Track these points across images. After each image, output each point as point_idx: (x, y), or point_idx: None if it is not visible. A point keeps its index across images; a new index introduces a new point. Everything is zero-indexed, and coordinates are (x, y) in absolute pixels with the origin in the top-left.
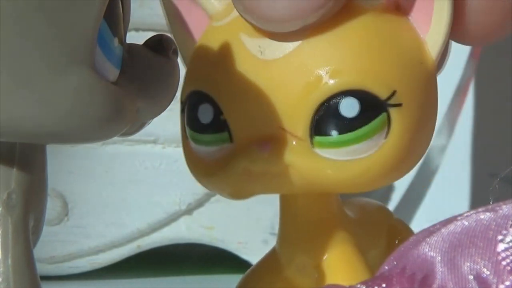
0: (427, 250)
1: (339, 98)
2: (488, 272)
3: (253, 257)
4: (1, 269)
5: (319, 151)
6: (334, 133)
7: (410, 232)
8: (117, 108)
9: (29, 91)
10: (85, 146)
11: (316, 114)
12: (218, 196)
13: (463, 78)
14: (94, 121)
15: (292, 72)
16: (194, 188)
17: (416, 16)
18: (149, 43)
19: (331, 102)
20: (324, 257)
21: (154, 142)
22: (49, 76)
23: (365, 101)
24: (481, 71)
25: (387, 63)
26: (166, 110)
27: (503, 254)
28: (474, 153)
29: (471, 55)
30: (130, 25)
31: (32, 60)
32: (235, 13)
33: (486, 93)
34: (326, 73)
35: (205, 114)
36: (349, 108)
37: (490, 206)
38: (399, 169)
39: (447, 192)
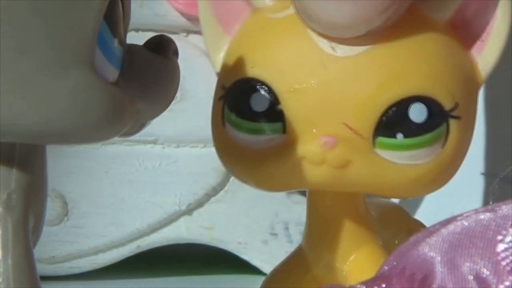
0: (427, 250)
1: (409, 102)
2: (488, 272)
3: (253, 257)
4: (1, 269)
5: (379, 152)
6: (399, 135)
7: None
8: (116, 109)
9: (29, 92)
10: (85, 146)
11: (384, 115)
12: (218, 196)
13: None
14: (94, 121)
15: (365, 71)
16: (194, 188)
17: (473, 36)
18: (149, 43)
19: (401, 105)
20: (352, 256)
21: (154, 142)
22: (48, 77)
23: (432, 109)
24: None
25: (453, 76)
26: (166, 110)
27: (503, 254)
28: (474, 153)
29: None
30: (130, 26)
31: (32, 60)
32: None
33: (486, 93)
34: (399, 76)
35: (260, 102)
36: (418, 113)
37: (489, 206)
38: (445, 179)
39: (446, 192)
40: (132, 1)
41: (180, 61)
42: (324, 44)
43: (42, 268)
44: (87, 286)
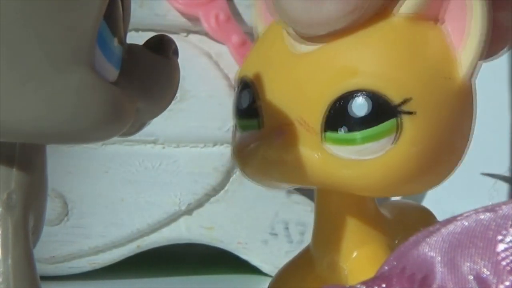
0: (427, 250)
1: (351, 96)
2: (488, 272)
3: (253, 257)
4: (1, 269)
5: (329, 146)
6: (344, 129)
7: None
8: (116, 109)
9: (28, 92)
10: (85, 146)
11: (330, 110)
12: (218, 196)
13: None
14: (94, 121)
15: (318, 67)
16: (194, 188)
17: (452, 32)
18: (149, 43)
19: (344, 99)
20: (354, 255)
21: (154, 142)
22: (48, 77)
23: (376, 103)
24: (480, 71)
25: (407, 71)
26: (166, 110)
27: (503, 254)
28: (474, 153)
29: None
30: (130, 26)
31: (31, 61)
32: None
33: (485, 93)
34: (345, 71)
35: (245, 99)
36: (360, 107)
37: (490, 206)
38: (412, 180)
39: (446, 192)
40: (132, 1)
41: (180, 61)
42: (291, 43)
43: (42, 268)
44: (87, 286)
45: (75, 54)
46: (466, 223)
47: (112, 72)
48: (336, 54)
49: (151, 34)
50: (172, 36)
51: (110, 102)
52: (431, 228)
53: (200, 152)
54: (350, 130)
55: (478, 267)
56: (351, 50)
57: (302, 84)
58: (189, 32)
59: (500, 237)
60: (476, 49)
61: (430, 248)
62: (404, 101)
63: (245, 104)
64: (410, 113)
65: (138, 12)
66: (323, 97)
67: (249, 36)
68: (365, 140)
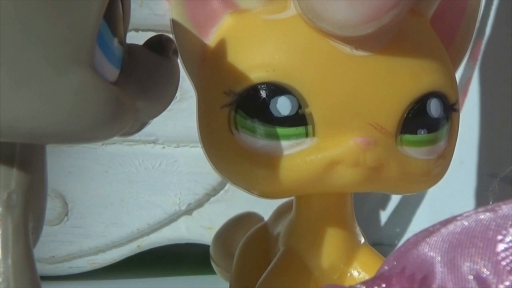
0: (427, 250)
1: (427, 98)
2: (488, 272)
3: None
4: (1, 269)
5: (405, 149)
6: (423, 131)
7: None
8: (116, 108)
9: (28, 92)
10: (85, 146)
11: (407, 113)
12: (218, 196)
13: (462, 78)
14: (94, 121)
15: (384, 70)
16: (194, 188)
17: (443, 33)
18: (149, 43)
19: (422, 101)
20: (346, 251)
21: (154, 142)
22: (48, 77)
23: (444, 104)
24: (481, 71)
25: (451, 71)
26: (166, 110)
27: (503, 254)
28: (474, 153)
29: (470, 56)
30: (130, 25)
31: (31, 61)
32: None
33: (485, 93)
34: (416, 74)
35: (284, 106)
36: (435, 108)
37: (489, 206)
38: (445, 171)
39: (447, 192)
40: (132, 1)
41: (180, 61)
42: (340, 45)
43: (42, 268)
44: (87, 286)
45: (75, 54)
46: (466, 223)
47: (112, 72)
48: (401, 57)
49: (151, 34)
50: (172, 36)
51: (110, 102)
52: (431, 228)
53: (200, 152)
54: (429, 131)
55: (478, 267)
56: (412, 53)
57: (370, 89)
58: None
59: (500, 237)
60: (464, 51)
61: (430, 248)
62: (457, 100)
63: (286, 111)
64: (457, 110)
65: (138, 12)
66: (400, 100)
67: None
68: (439, 139)
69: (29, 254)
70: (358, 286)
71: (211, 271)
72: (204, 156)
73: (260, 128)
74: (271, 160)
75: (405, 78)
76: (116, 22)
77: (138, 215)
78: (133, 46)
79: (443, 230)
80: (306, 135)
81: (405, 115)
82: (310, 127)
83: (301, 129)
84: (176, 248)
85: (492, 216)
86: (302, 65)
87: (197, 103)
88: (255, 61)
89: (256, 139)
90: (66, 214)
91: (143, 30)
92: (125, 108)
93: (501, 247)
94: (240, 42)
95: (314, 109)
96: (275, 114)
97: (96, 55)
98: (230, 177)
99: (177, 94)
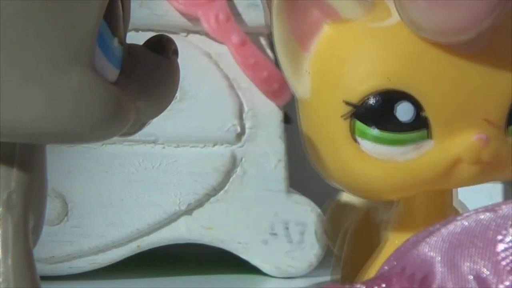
0: (426, 250)
1: None
2: (488, 272)
3: (253, 257)
4: (1, 269)
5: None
6: None
7: None
8: (116, 108)
9: (29, 92)
10: (85, 146)
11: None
12: (218, 196)
13: None
14: (94, 121)
15: (492, 65)
16: (194, 188)
17: None
18: (149, 43)
19: None
20: None
21: (154, 142)
22: (48, 77)
23: None
24: None
25: None
26: (166, 110)
27: (503, 254)
28: None
29: None
30: (130, 26)
31: (31, 61)
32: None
33: None
34: None
35: (405, 112)
36: None
37: (490, 206)
38: None
39: None
40: (132, 1)
41: (180, 61)
42: (447, 46)
43: (42, 268)
44: (87, 286)
45: (75, 54)
46: (466, 223)
47: (112, 72)
48: (504, 51)
49: (151, 34)
50: (172, 36)
51: (110, 102)
52: (431, 228)
53: (200, 152)
54: None
55: (478, 267)
56: None
57: (480, 84)
58: (189, 32)
59: (500, 237)
60: None
61: (430, 248)
62: None
63: (407, 117)
64: None
65: (138, 12)
66: (504, 94)
67: (249, 36)
68: None
69: (29, 254)
70: (358, 285)
71: (211, 271)
72: (204, 156)
73: (381, 135)
74: (391, 165)
75: (509, 72)
76: (116, 22)
77: (138, 215)
78: (133, 46)
79: (443, 230)
80: (424, 138)
81: (510, 108)
82: (426, 130)
83: (420, 133)
84: (176, 248)
85: (492, 216)
86: (414, 71)
87: (306, 114)
88: (368, 70)
89: (376, 145)
90: (66, 214)
91: (143, 30)
92: (125, 108)
93: (501, 247)
94: (349, 52)
95: (430, 113)
96: (396, 120)
97: (96, 55)
98: (349, 185)
99: (177, 94)
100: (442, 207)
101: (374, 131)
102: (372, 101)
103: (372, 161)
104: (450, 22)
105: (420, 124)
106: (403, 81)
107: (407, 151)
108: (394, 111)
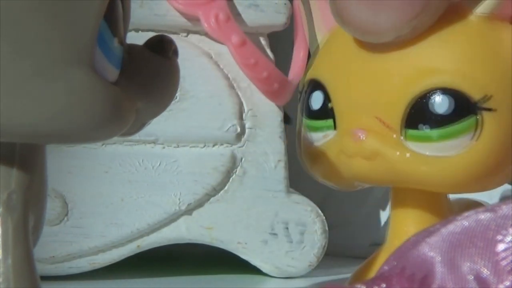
0: (426, 250)
1: (433, 94)
2: (488, 272)
3: (253, 257)
4: (1, 269)
5: (410, 144)
6: (425, 127)
7: None
8: (116, 109)
9: (29, 92)
10: (85, 146)
11: (410, 108)
12: (218, 196)
13: None
14: (94, 121)
15: (394, 65)
16: (194, 188)
17: None
18: (149, 43)
19: (425, 97)
20: None
21: (154, 142)
22: (49, 76)
23: (458, 101)
24: None
25: (486, 69)
26: (166, 110)
27: (503, 254)
28: None
29: None
30: (130, 26)
31: (32, 60)
32: None
33: None
34: (425, 70)
35: (316, 101)
36: (441, 104)
37: (490, 206)
38: (490, 176)
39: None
40: (132, 1)
41: (180, 61)
42: (361, 46)
43: (42, 268)
44: (87, 286)
45: (75, 54)
46: (466, 223)
47: (112, 72)
48: (413, 52)
49: (151, 34)
50: (172, 36)
51: (110, 102)
52: (431, 228)
53: (200, 152)
54: (432, 127)
55: (478, 267)
56: (429, 48)
57: (378, 83)
58: (189, 32)
59: (500, 237)
60: None
61: (430, 248)
62: (484, 98)
63: (317, 105)
64: (490, 109)
65: (138, 12)
66: (401, 95)
67: (249, 36)
68: (446, 137)
69: (29, 254)
70: (358, 286)
71: (211, 271)
72: (204, 156)
73: (304, 120)
74: (310, 152)
75: (411, 75)
76: (116, 22)
77: (138, 215)
78: (133, 46)
79: (443, 230)
80: (330, 127)
81: (408, 111)
82: (332, 121)
83: (326, 122)
84: (176, 248)
85: (492, 216)
86: (328, 63)
87: None
88: (311, 62)
89: (304, 131)
90: (66, 214)
91: (143, 30)
92: (125, 108)
93: (501, 247)
94: (322, 46)
95: (335, 104)
96: (310, 107)
97: (96, 55)
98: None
99: (177, 94)
100: (438, 209)
101: (302, 117)
102: (303, 89)
103: (303, 145)
104: (372, 23)
105: (327, 114)
106: (320, 72)
107: (318, 138)
108: (310, 99)
